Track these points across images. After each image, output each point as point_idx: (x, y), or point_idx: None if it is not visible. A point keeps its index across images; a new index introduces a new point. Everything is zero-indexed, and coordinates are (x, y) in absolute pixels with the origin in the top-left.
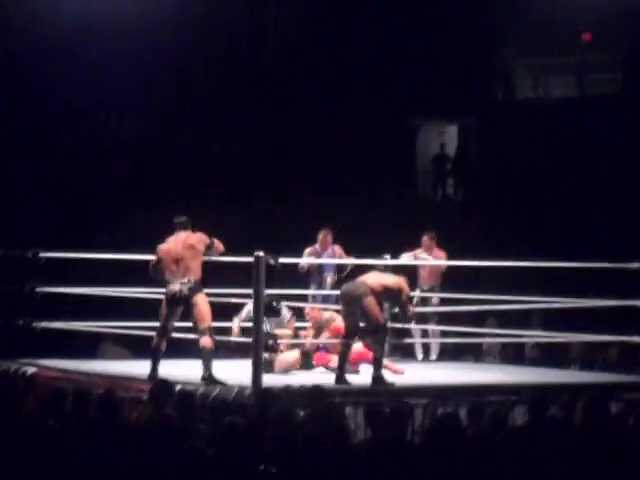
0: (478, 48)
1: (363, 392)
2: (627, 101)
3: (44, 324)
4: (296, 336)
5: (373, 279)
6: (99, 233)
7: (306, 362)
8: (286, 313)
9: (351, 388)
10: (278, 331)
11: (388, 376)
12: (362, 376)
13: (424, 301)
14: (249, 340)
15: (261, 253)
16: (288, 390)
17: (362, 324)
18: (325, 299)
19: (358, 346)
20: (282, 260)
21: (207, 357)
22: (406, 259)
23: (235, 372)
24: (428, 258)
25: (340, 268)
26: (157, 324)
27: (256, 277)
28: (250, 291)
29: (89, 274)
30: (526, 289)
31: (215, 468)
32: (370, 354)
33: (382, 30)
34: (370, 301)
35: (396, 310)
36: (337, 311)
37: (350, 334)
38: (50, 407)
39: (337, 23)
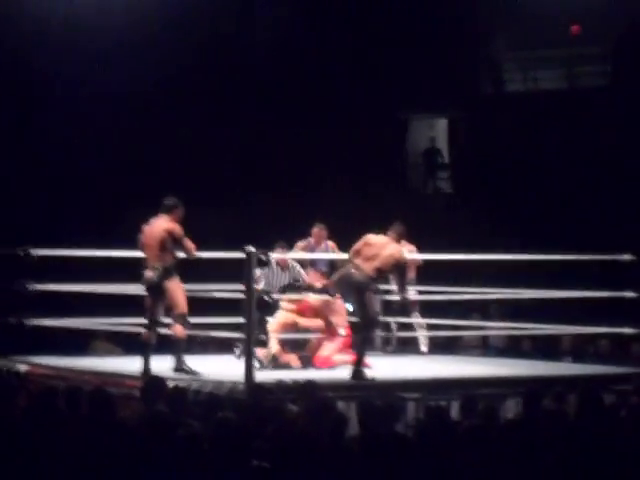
0: (467, 41)
1: (355, 386)
2: (616, 93)
3: (36, 321)
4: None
5: (380, 260)
6: (89, 230)
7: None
8: (299, 269)
9: (343, 382)
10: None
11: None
12: (343, 370)
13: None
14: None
15: (252, 249)
16: (280, 385)
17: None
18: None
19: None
20: (274, 255)
21: (178, 347)
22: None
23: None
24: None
25: (332, 264)
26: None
27: (247, 273)
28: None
29: (80, 271)
30: (517, 282)
31: (208, 464)
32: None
33: (371, 23)
34: (369, 296)
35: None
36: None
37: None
38: (42, 405)
39: (326, 16)
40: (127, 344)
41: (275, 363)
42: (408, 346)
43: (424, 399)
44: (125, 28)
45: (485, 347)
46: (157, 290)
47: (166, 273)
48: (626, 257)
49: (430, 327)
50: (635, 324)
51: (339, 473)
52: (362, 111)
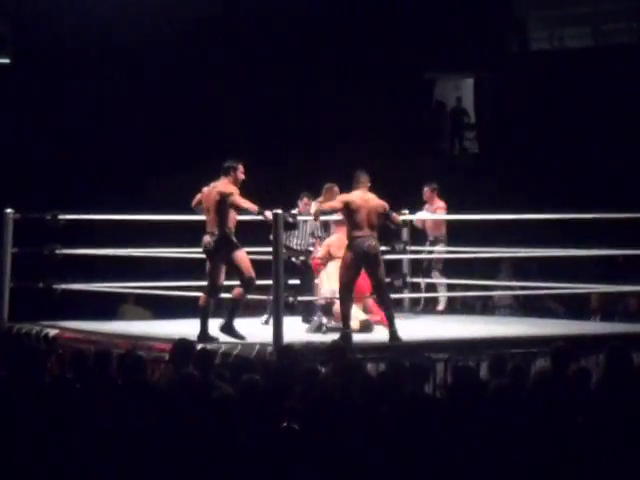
0: (492, 0)
1: (384, 348)
2: None
3: (64, 286)
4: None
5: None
6: (117, 195)
7: None
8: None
9: (371, 344)
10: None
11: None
12: (380, 332)
13: (429, 253)
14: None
15: (279, 210)
16: (309, 347)
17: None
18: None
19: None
20: (299, 217)
21: (233, 308)
22: (423, 214)
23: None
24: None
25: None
26: (176, 283)
27: (275, 235)
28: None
29: (108, 236)
30: (543, 241)
31: (237, 426)
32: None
33: None
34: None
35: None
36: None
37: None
38: (72, 368)
39: None
40: (156, 307)
41: (366, 328)
42: (428, 305)
43: (452, 359)
44: None
45: (513, 307)
46: (215, 255)
47: (223, 239)
48: None
49: (455, 287)
50: None
51: (368, 434)
52: (389, 72)
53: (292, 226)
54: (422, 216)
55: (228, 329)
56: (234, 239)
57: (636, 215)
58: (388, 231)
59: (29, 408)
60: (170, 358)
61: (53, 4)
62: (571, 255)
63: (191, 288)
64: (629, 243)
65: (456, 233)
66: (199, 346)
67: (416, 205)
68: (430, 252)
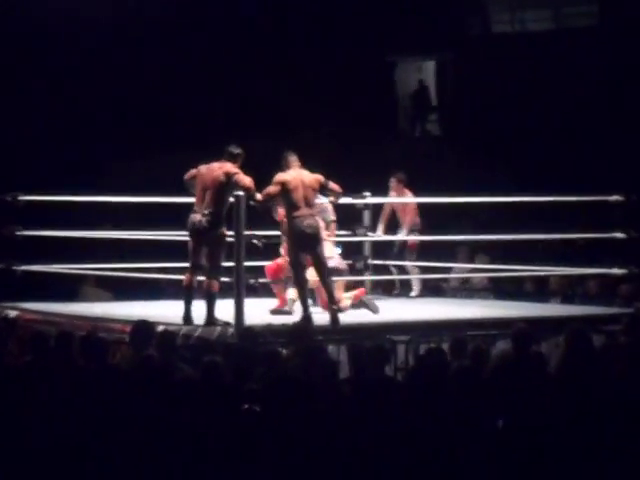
0: None
1: (345, 330)
2: (603, 33)
3: (25, 267)
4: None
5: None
6: (83, 175)
7: None
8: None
9: (331, 326)
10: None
11: None
12: (344, 315)
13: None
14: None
15: (241, 193)
16: (270, 328)
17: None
18: None
19: None
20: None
21: (209, 298)
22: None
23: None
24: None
25: None
26: (137, 265)
27: (236, 217)
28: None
29: (68, 217)
30: (506, 224)
31: (197, 408)
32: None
33: None
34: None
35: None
36: None
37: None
38: (32, 350)
39: None
40: (116, 289)
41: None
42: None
43: (413, 341)
44: None
45: (473, 290)
46: (203, 236)
47: (216, 220)
48: (615, 198)
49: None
50: (623, 265)
51: (330, 416)
52: (350, 55)
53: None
54: (383, 200)
55: (212, 322)
56: (224, 224)
57: (596, 198)
58: (350, 215)
59: None
60: (130, 340)
61: None
62: (531, 238)
63: (151, 270)
64: (589, 226)
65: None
66: (160, 328)
67: (378, 187)
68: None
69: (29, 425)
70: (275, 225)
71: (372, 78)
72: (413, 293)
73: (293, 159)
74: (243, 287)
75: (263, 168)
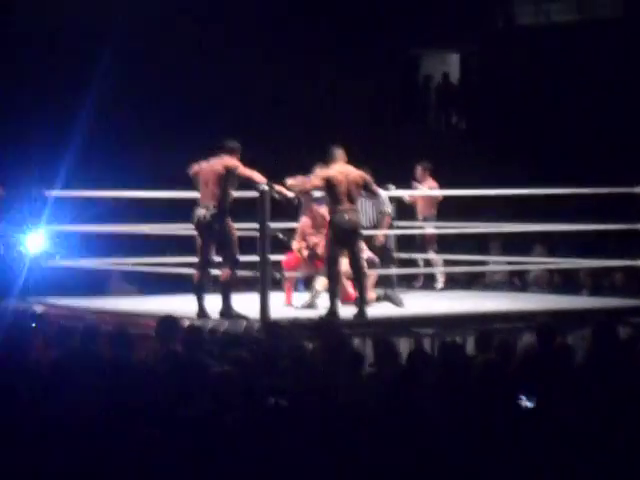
0: None
1: (371, 323)
2: (628, 23)
3: (51, 262)
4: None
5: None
6: (107, 172)
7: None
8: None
9: (359, 320)
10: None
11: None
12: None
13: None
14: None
15: (265, 187)
16: (296, 323)
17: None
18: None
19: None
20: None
21: (225, 290)
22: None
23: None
24: (423, 188)
25: None
26: (161, 259)
27: (261, 211)
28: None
29: (97, 212)
30: (531, 216)
31: (223, 402)
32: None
33: None
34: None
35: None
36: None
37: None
38: (58, 345)
39: None
40: (143, 284)
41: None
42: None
43: (439, 335)
44: None
45: (503, 282)
46: (208, 230)
47: (220, 213)
48: (638, 189)
49: (447, 263)
50: None
51: (356, 409)
52: (375, 48)
53: (277, 201)
54: (407, 193)
55: (228, 314)
56: (229, 216)
57: (621, 190)
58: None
59: (16, 384)
60: (156, 335)
61: None
62: (559, 230)
63: (178, 264)
64: (617, 218)
65: (443, 209)
66: (187, 323)
67: (403, 180)
68: (420, 230)
69: (55, 420)
70: (289, 218)
71: (397, 71)
72: (438, 285)
73: (339, 153)
74: (268, 281)
75: (286, 160)
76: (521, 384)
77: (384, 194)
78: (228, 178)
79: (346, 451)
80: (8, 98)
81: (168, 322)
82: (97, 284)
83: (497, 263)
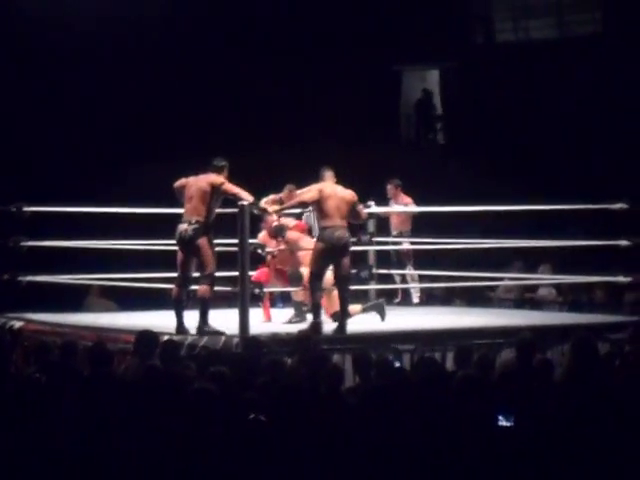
0: None
1: (350, 339)
2: (608, 40)
3: (29, 278)
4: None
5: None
6: (82, 187)
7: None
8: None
9: (338, 335)
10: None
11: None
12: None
13: (395, 246)
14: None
15: (245, 202)
16: (275, 338)
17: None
18: None
19: None
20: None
21: (203, 306)
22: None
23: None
24: (396, 206)
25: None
26: (141, 275)
27: (241, 226)
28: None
29: (74, 227)
30: (511, 232)
31: (202, 417)
32: None
33: None
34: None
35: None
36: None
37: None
38: (37, 360)
39: None
40: (121, 299)
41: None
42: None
43: (419, 350)
44: None
45: (480, 297)
46: (189, 245)
47: (202, 229)
48: (619, 206)
49: (424, 279)
50: (628, 273)
51: (335, 425)
52: (355, 64)
53: (258, 217)
54: (390, 210)
55: (205, 330)
56: (211, 233)
57: (601, 206)
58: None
59: None
60: (134, 350)
61: None
62: (535, 246)
63: (156, 280)
64: (595, 233)
65: (422, 225)
66: (165, 337)
67: (383, 197)
68: (396, 245)
69: (33, 436)
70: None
71: (378, 87)
72: (414, 300)
73: (329, 174)
74: (248, 296)
75: (268, 178)
76: (500, 400)
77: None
78: (213, 195)
79: (325, 467)
80: None
81: (147, 337)
82: (75, 300)
83: (477, 279)
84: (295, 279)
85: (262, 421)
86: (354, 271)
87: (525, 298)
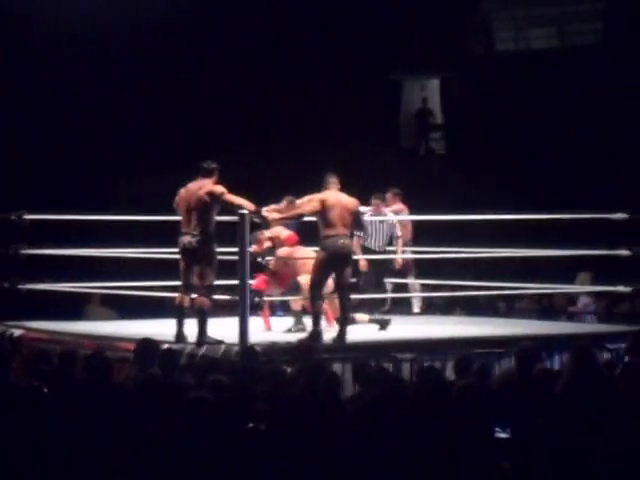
0: (458, 1)
1: (350, 348)
2: (608, 50)
3: (29, 286)
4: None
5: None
6: (83, 195)
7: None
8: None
9: (338, 344)
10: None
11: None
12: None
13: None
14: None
15: (245, 211)
16: (275, 347)
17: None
18: None
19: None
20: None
21: (201, 317)
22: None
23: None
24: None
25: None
26: (141, 284)
27: (241, 235)
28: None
29: (74, 235)
30: (511, 241)
31: (201, 426)
32: None
33: None
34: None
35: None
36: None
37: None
38: (36, 369)
39: None
40: (121, 308)
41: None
42: (400, 307)
43: (418, 359)
44: None
45: (481, 307)
46: (194, 256)
47: (206, 240)
48: (619, 215)
49: (426, 288)
50: (628, 283)
51: (334, 433)
52: (356, 73)
53: (258, 225)
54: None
55: (204, 339)
56: (214, 243)
57: (600, 215)
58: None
59: None
60: (134, 358)
61: None
62: (538, 255)
63: (157, 288)
64: (594, 243)
65: (423, 234)
66: (164, 346)
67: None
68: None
69: (32, 444)
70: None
71: (378, 96)
72: (416, 310)
73: (333, 180)
74: (247, 305)
75: (269, 188)
76: (499, 409)
77: (395, 218)
78: (213, 206)
79: (324, 476)
80: None
81: (146, 346)
82: (76, 308)
83: (477, 289)
84: (293, 288)
85: (261, 430)
86: (353, 280)
87: (567, 311)
